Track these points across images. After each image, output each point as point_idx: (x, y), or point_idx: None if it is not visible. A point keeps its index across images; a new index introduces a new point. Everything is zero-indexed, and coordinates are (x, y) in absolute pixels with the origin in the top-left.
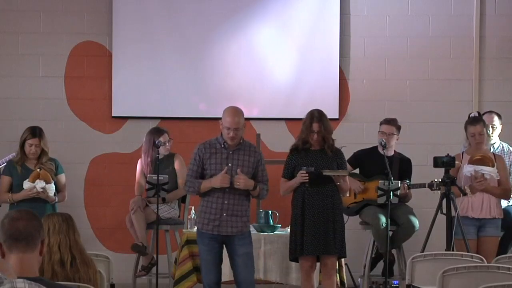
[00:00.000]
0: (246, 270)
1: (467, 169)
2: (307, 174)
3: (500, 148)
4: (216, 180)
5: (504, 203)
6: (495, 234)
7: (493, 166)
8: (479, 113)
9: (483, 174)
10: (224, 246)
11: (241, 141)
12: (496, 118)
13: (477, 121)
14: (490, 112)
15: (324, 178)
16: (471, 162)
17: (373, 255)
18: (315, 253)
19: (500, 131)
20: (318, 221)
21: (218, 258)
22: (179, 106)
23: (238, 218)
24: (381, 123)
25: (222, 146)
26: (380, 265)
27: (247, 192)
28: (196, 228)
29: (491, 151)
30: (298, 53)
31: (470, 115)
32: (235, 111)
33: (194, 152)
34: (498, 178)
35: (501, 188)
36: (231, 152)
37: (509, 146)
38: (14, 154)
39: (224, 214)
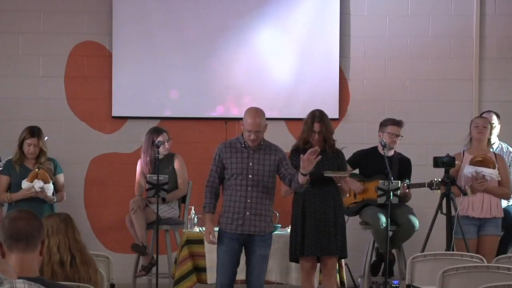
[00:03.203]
0: (260, 271)
1: (468, 170)
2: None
3: (499, 148)
4: (206, 232)
5: (504, 203)
6: (495, 233)
7: (494, 168)
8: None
9: (484, 175)
10: (243, 246)
11: (262, 141)
12: (495, 118)
13: (484, 116)
14: (489, 111)
15: (325, 178)
16: (472, 163)
17: (374, 258)
18: (316, 254)
19: (499, 131)
20: (318, 222)
21: (235, 260)
22: (179, 106)
23: (261, 217)
24: (386, 124)
25: (243, 146)
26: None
27: (270, 191)
28: (218, 228)
29: (491, 151)
30: (298, 53)
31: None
32: (256, 113)
33: (215, 152)
34: (499, 179)
35: (501, 188)
36: (251, 152)
37: (508, 146)
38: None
39: (248, 213)
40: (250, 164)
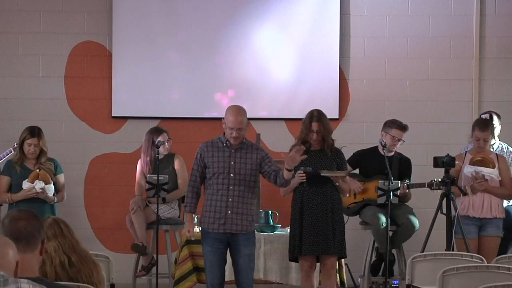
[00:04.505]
0: (247, 270)
1: (468, 170)
2: (304, 174)
3: (500, 148)
4: (184, 230)
5: (504, 203)
6: (496, 233)
7: (493, 167)
8: (491, 116)
9: (483, 175)
10: (228, 246)
11: (244, 140)
12: (495, 118)
13: (486, 127)
14: (489, 112)
15: (323, 178)
16: (472, 163)
17: (374, 258)
18: (314, 253)
19: (499, 131)
20: (316, 221)
21: (222, 259)
22: (179, 106)
23: (243, 216)
24: (391, 126)
25: (225, 144)
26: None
27: (252, 190)
28: (200, 228)
29: (492, 151)
30: (298, 53)
31: (481, 116)
32: (238, 111)
33: (197, 151)
34: (499, 179)
35: (502, 188)
36: (233, 151)
37: (508, 147)
38: (11, 149)
39: (229, 212)
40: (232, 163)
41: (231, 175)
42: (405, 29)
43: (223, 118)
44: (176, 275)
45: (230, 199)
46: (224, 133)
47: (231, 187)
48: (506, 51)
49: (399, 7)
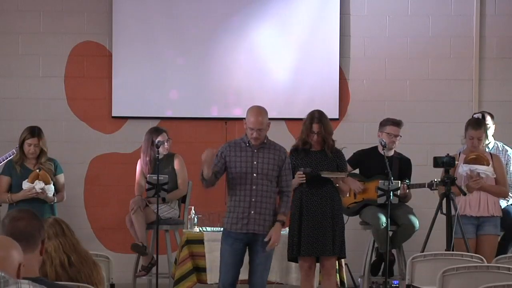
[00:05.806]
0: (263, 271)
1: (463, 169)
2: (304, 175)
3: (495, 147)
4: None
5: (503, 203)
6: (494, 232)
7: (488, 165)
8: (483, 115)
9: (478, 173)
10: (247, 245)
11: (266, 140)
12: (488, 118)
13: (479, 126)
14: (483, 112)
15: (322, 179)
16: (466, 161)
17: (374, 258)
18: (312, 254)
19: (493, 131)
20: (315, 222)
21: (239, 260)
22: (179, 106)
23: (266, 216)
24: (385, 124)
25: (247, 145)
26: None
27: (274, 190)
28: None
29: (487, 150)
30: (298, 53)
31: (474, 115)
32: (259, 111)
33: (219, 150)
34: (494, 177)
35: (498, 186)
36: (255, 151)
37: (503, 145)
38: (14, 150)
39: (252, 212)
40: (255, 163)
41: (254, 175)
42: (405, 29)
43: (245, 118)
44: (176, 275)
45: (253, 199)
46: (246, 133)
47: (254, 187)
48: (506, 51)
49: (399, 7)
